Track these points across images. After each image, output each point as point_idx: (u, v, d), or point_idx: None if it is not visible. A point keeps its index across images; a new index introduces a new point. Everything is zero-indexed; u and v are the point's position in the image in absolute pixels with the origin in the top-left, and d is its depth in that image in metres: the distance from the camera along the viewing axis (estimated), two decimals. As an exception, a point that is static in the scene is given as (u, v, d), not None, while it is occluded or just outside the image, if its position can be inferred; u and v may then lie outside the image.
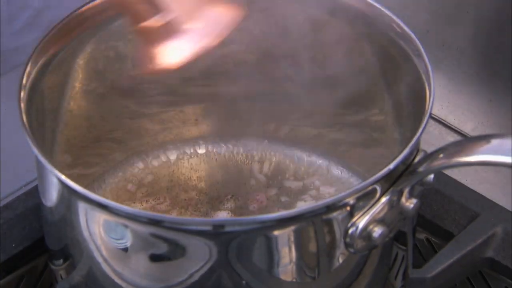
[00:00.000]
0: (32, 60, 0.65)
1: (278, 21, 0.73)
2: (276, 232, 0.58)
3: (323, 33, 0.72)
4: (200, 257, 0.58)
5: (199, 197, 0.77)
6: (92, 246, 0.61)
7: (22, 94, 0.63)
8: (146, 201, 0.76)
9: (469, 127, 0.88)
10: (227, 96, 0.78)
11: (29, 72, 0.65)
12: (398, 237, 0.64)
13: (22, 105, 0.62)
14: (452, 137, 0.87)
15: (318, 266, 0.60)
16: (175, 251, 0.58)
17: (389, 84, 0.70)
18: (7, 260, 0.72)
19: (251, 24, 0.72)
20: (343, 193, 0.57)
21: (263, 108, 0.79)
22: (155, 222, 0.57)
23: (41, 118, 0.67)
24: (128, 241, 0.59)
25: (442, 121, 0.89)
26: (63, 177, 0.58)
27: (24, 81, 0.64)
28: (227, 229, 0.57)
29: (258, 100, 0.78)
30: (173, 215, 0.74)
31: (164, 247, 0.58)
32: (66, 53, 0.69)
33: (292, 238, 0.58)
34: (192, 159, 0.81)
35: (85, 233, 0.60)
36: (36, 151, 0.59)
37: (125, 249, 0.59)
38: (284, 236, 0.58)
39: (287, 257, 0.59)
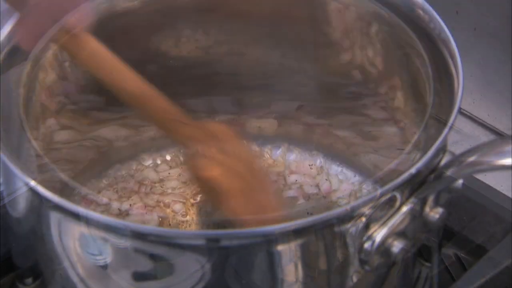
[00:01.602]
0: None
1: (284, 13, 0.73)
2: (279, 247, 0.55)
3: (332, 24, 0.72)
4: (191, 275, 0.56)
5: (195, 199, 0.77)
6: (66, 263, 0.59)
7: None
8: (129, 205, 0.76)
9: (505, 124, 0.86)
10: (227, 95, 0.78)
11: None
12: (422, 253, 0.64)
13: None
14: (485, 136, 0.86)
15: (328, 286, 0.58)
16: (163, 269, 0.56)
17: (410, 78, 0.69)
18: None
19: (250, 23, 0.74)
20: (357, 202, 0.55)
21: (266, 107, 0.79)
22: (140, 235, 0.55)
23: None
24: (107, 257, 0.57)
25: (473, 117, 0.88)
26: (32, 183, 0.56)
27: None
28: (223, 243, 0.55)
29: (260, 99, 0.78)
30: (163, 225, 0.74)
31: (150, 264, 0.57)
32: (66, 53, 0.69)
33: (298, 254, 0.56)
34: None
35: (59, 248, 0.59)
36: (1, 152, 0.58)
37: (105, 266, 0.58)
38: (289, 251, 0.56)
39: (292, 276, 0.57)
